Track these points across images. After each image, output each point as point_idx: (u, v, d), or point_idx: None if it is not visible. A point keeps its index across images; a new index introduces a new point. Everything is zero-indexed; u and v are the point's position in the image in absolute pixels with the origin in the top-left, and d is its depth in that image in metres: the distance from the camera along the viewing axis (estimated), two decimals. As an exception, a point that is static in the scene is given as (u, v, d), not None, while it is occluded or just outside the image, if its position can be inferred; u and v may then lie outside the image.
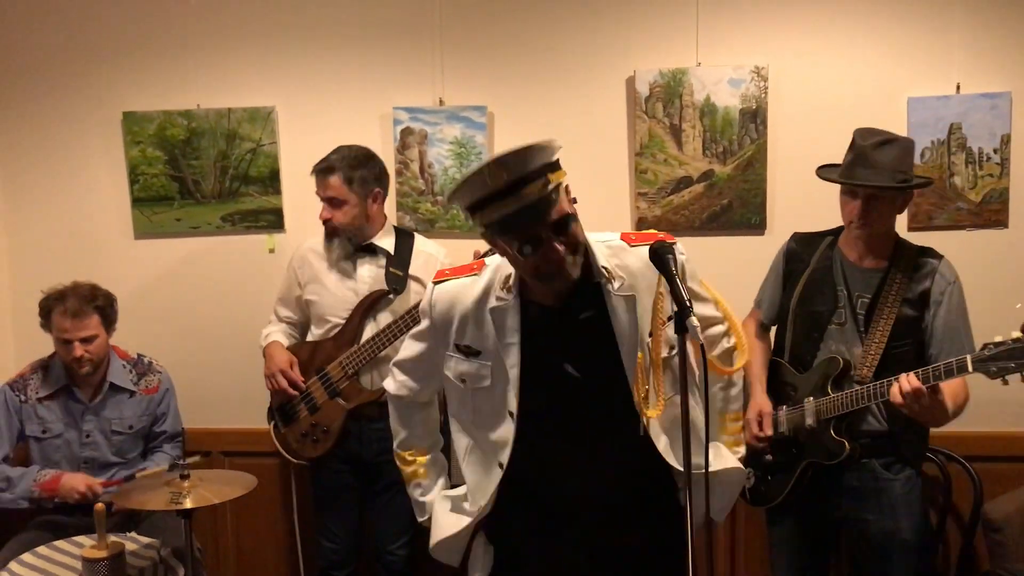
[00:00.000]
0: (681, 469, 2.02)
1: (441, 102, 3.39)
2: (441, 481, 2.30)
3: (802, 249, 2.77)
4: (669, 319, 2.00)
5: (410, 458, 2.29)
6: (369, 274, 3.10)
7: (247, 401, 3.53)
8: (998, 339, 2.25)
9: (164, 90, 3.52)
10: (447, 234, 3.41)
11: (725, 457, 2.19)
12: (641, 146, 3.30)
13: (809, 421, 2.62)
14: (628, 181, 3.35)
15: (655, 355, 2.01)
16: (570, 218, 1.87)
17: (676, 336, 1.84)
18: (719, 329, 2.25)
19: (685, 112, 3.27)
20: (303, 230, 3.45)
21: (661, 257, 1.89)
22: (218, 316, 3.60)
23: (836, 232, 2.73)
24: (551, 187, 1.83)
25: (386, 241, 3.13)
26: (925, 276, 2.57)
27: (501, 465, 2.06)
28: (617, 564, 2.12)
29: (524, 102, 3.37)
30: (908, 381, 2.34)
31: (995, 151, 3.14)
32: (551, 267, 1.87)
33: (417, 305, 2.75)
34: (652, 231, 2.12)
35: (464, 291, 2.07)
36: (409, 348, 2.24)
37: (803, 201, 3.25)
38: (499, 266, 2.05)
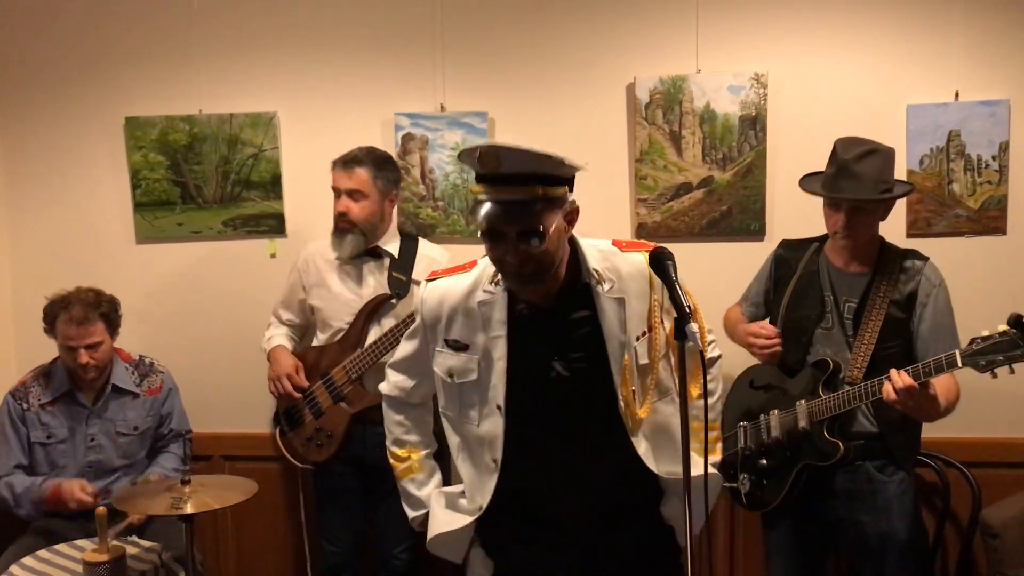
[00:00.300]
0: (658, 473, 2.08)
1: (442, 108, 3.41)
2: (436, 477, 2.32)
3: (790, 256, 2.81)
4: (660, 323, 2.06)
5: (404, 454, 2.31)
6: (374, 279, 3.11)
7: (248, 405, 3.55)
8: (985, 333, 2.29)
9: (166, 95, 3.53)
10: (448, 239, 3.42)
11: (698, 464, 2.19)
12: (641, 152, 3.32)
13: (802, 423, 2.64)
14: (628, 187, 3.36)
15: (651, 357, 2.05)
16: (536, 236, 1.88)
17: (677, 342, 1.85)
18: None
19: (685, 119, 3.28)
20: (304, 235, 3.47)
21: (661, 264, 1.92)
22: (219, 320, 3.61)
23: (822, 239, 2.76)
24: (538, 197, 1.86)
25: (392, 245, 3.14)
26: (911, 278, 2.61)
27: (495, 461, 2.08)
28: (609, 569, 2.14)
29: (525, 108, 3.39)
30: (900, 378, 2.36)
31: (993, 158, 3.15)
32: (505, 267, 1.95)
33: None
34: (642, 240, 2.16)
35: (453, 287, 2.12)
36: (403, 348, 2.28)
37: (802, 207, 3.24)
38: (489, 263, 2.08)
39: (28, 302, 3.54)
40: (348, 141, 3.26)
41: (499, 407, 2.05)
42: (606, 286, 2.02)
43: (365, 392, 3.05)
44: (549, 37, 3.36)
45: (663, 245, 1.99)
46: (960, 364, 2.31)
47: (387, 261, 3.13)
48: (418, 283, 3.08)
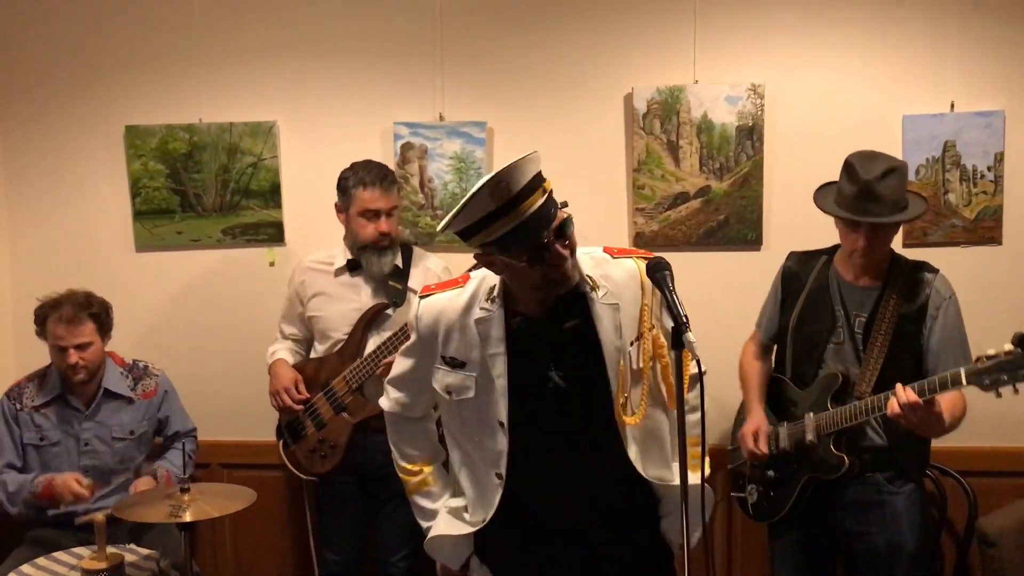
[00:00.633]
0: (647, 477, 2.09)
1: (441, 117, 3.43)
2: (449, 490, 2.31)
3: (798, 269, 2.78)
4: (650, 329, 2.07)
5: (416, 468, 2.29)
6: (371, 289, 3.12)
7: (247, 413, 3.55)
8: (991, 352, 2.27)
9: (166, 104, 3.55)
10: (446, 248, 3.43)
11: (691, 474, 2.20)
12: (639, 162, 3.33)
13: (809, 436, 2.63)
14: (626, 196, 3.38)
15: (641, 363, 2.06)
16: (569, 222, 1.92)
17: (673, 351, 1.86)
18: None
19: (682, 129, 3.30)
20: (303, 243, 3.48)
21: (659, 274, 1.93)
22: (218, 328, 3.61)
23: (831, 251, 2.75)
24: (547, 195, 1.88)
25: (397, 256, 3.16)
26: (921, 292, 2.58)
27: (499, 476, 2.08)
28: (605, 573, 2.15)
29: (523, 118, 3.41)
30: (905, 394, 2.36)
31: (989, 168, 3.17)
32: (558, 273, 1.93)
33: None
34: (633, 248, 2.17)
35: (449, 304, 2.10)
36: (400, 364, 2.26)
37: (799, 217, 3.27)
38: (483, 278, 2.09)
39: (28, 309, 3.52)
40: (347, 150, 3.28)
41: (501, 423, 2.05)
42: (600, 292, 2.03)
43: (366, 401, 3.06)
44: (548, 47, 3.38)
45: (660, 255, 2.01)
46: (965, 382, 2.30)
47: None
48: (415, 292, 3.11)
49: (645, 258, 2.09)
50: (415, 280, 3.13)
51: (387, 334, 3.06)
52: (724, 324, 3.29)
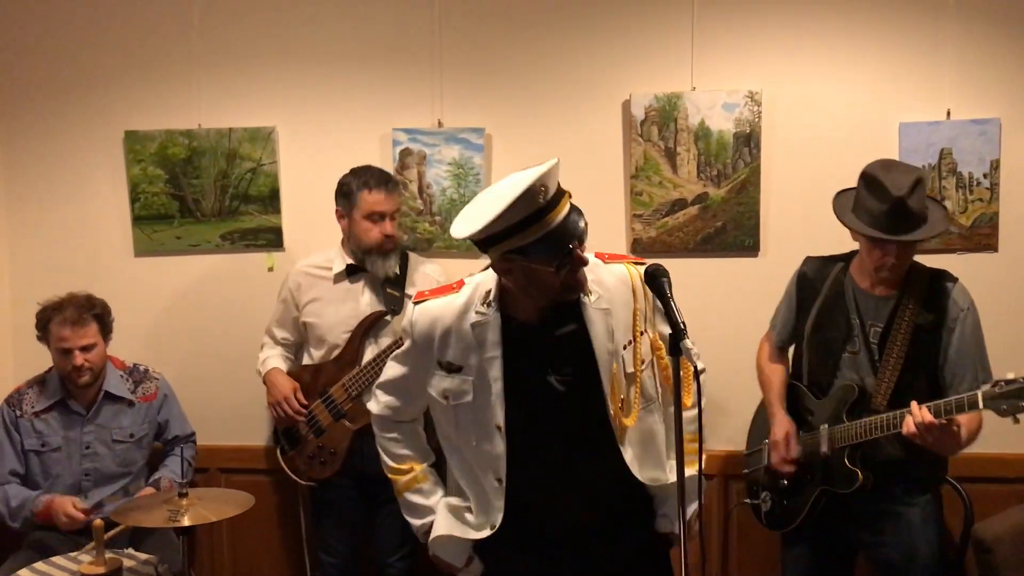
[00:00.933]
0: (642, 480, 2.11)
1: (440, 124, 3.44)
2: (441, 487, 2.32)
3: (814, 275, 2.73)
4: (642, 333, 2.10)
5: (406, 467, 2.30)
6: (369, 295, 3.13)
7: (245, 418, 3.57)
8: (1010, 376, 2.24)
9: (166, 109, 3.56)
10: (444, 254, 3.45)
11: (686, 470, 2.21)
12: (636, 168, 3.35)
13: (823, 449, 2.60)
14: (623, 203, 3.39)
15: (633, 367, 2.09)
16: (587, 229, 1.96)
17: (672, 357, 1.89)
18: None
19: (680, 135, 3.31)
20: (302, 249, 3.49)
21: (657, 281, 1.97)
22: (217, 334, 3.62)
23: (847, 258, 2.70)
24: (571, 202, 1.93)
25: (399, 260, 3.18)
26: (938, 302, 2.53)
27: (499, 480, 2.10)
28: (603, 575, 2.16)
29: (522, 124, 3.42)
30: (921, 415, 2.31)
31: (985, 176, 3.18)
32: (578, 278, 1.97)
33: None
34: (624, 254, 2.20)
35: (445, 309, 2.12)
36: (392, 370, 2.28)
37: (796, 224, 3.30)
38: (478, 284, 2.11)
39: (26, 315, 3.53)
40: (346, 156, 3.29)
41: (498, 427, 2.07)
42: (593, 297, 2.06)
43: (366, 408, 3.05)
44: (546, 54, 3.40)
45: (656, 262, 2.03)
46: (982, 406, 2.27)
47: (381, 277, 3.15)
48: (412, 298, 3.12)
49: (636, 263, 2.14)
50: (413, 287, 3.14)
51: (385, 341, 3.07)
52: (722, 330, 3.31)
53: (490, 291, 2.07)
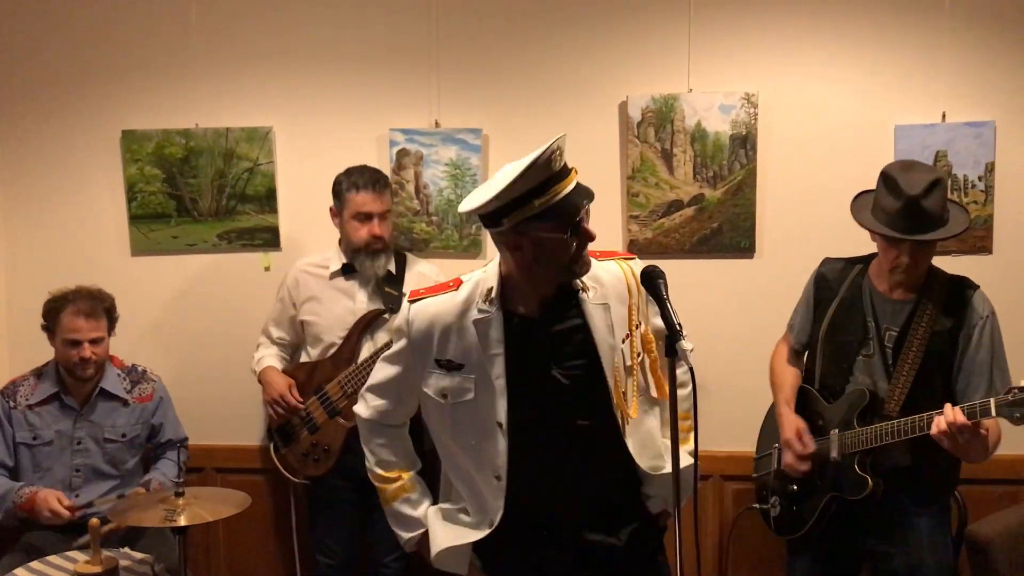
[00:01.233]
0: (645, 470, 2.14)
1: (437, 124, 3.44)
2: (429, 496, 2.31)
3: (831, 276, 2.69)
4: (637, 327, 2.14)
5: (394, 475, 2.29)
6: (366, 294, 3.14)
7: (241, 418, 3.57)
8: (1023, 383, 2.22)
9: (163, 109, 3.56)
10: (441, 254, 3.45)
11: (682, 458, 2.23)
12: (633, 170, 3.35)
13: (833, 454, 2.57)
14: (620, 204, 3.40)
15: (631, 360, 2.12)
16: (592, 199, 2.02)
17: (667, 358, 1.90)
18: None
19: (676, 137, 3.32)
20: (298, 249, 3.49)
21: (652, 281, 1.98)
22: (213, 333, 3.62)
23: (866, 260, 2.67)
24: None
25: (390, 260, 3.18)
26: (957, 309, 2.49)
27: (499, 478, 2.10)
28: (602, 569, 2.17)
29: (518, 125, 3.42)
30: (954, 415, 2.27)
31: (979, 178, 3.20)
32: (585, 252, 2.02)
33: None
34: (613, 250, 2.22)
35: (443, 307, 2.11)
36: (382, 371, 2.25)
37: (792, 225, 3.31)
38: (478, 281, 2.11)
39: (22, 312, 3.55)
40: (343, 156, 3.29)
41: (500, 424, 2.07)
42: (591, 293, 2.08)
43: (360, 407, 3.07)
44: (543, 56, 3.41)
45: (654, 263, 2.04)
46: (994, 413, 2.24)
47: (377, 276, 3.15)
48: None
49: (626, 259, 2.18)
50: (409, 286, 3.14)
51: (382, 339, 3.08)
52: (718, 331, 3.32)
53: (492, 288, 2.07)
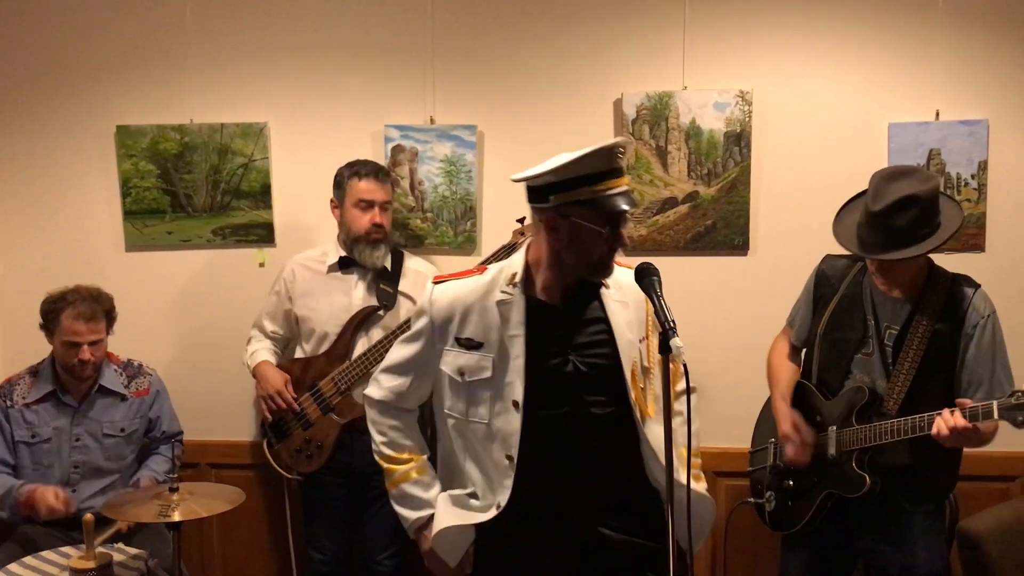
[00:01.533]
0: (655, 475, 2.16)
1: (432, 121, 3.44)
2: (439, 481, 2.33)
3: (832, 273, 2.68)
4: (646, 335, 2.18)
5: (405, 457, 2.30)
6: (362, 290, 3.14)
7: (236, 413, 3.57)
8: None
9: (158, 105, 3.55)
10: (436, 250, 3.45)
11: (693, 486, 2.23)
12: (627, 167, 3.36)
13: (831, 451, 2.57)
14: (615, 201, 3.40)
15: (649, 362, 2.16)
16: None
17: (660, 355, 1.91)
18: None
19: (671, 134, 3.33)
20: (293, 245, 3.49)
21: (646, 279, 2.00)
22: (208, 329, 3.62)
23: None
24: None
25: (388, 254, 3.18)
26: (958, 308, 2.46)
27: (510, 458, 2.12)
28: (603, 562, 2.18)
29: (514, 122, 3.43)
30: (955, 420, 2.27)
31: (972, 176, 3.21)
32: (613, 255, 2.08)
33: (408, 320, 2.79)
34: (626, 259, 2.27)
35: (466, 288, 2.19)
36: (399, 352, 2.30)
37: (786, 223, 3.32)
38: (503, 268, 2.17)
39: (16, 308, 3.54)
40: (338, 152, 3.30)
41: (516, 403, 2.11)
42: (612, 291, 2.15)
43: (354, 402, 3.07)
44: (538, 53, 3.41)
45: (647, 261, 2.05)
46: (997, 416, 2.23)
47: (374, 272, 3.16)
48: (405, 295, 3.14)
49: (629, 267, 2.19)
50: (405, 283, 3.15)
51: (377, 336, 3.08)
52: (711, 328, 3.33)
53: (516, 273, 2.14)
